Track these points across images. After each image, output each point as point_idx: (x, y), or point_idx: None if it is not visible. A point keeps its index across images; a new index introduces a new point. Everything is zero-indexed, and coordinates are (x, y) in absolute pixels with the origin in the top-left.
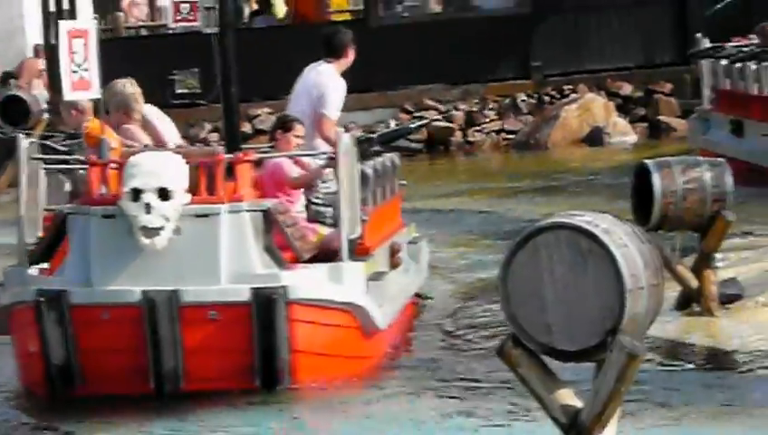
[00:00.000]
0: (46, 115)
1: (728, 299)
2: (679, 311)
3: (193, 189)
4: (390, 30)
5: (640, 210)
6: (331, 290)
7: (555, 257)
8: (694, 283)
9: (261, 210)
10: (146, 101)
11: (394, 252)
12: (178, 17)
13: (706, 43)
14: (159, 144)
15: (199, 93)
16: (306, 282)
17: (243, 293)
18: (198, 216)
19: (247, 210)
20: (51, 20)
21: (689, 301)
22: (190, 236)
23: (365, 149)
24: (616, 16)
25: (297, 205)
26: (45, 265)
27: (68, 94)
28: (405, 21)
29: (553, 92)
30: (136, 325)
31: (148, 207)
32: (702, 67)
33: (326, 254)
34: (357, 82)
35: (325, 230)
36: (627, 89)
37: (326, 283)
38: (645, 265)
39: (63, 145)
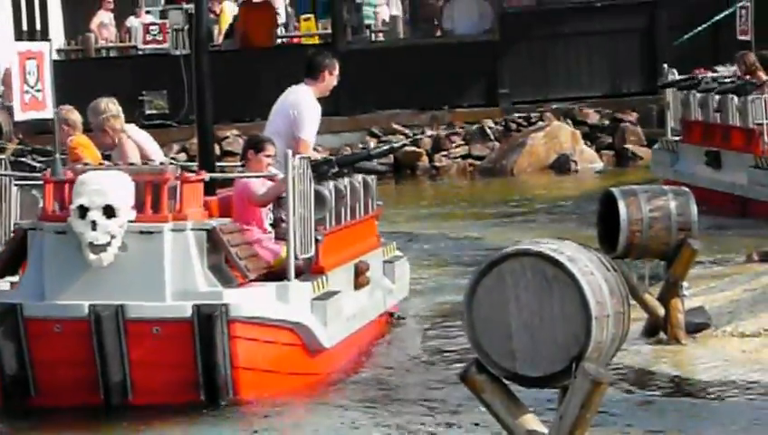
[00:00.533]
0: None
1: (695, 328)
2: (646, 339)
3: (141, 207)
4: (359, 54)
5: (607, 238)
6: (273, 308)
7: (521, 284)
8: (660, 311)
9: (205, 229)
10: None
11: (360, 272)
12: (148, 38)
13: (674, 74)
14: (146, 161)
15: (168, 114)
16: (249, 300)
17: (185, 309)
18: (143, 233)
19: (191, 229)
20: (23, 40)
21: (656, 329)
22: (136, 253)
23: (324, 171)
24: (584, 45)
25: (266, 222)
26: (16, 279)
27: (19, 114)
28: (373, 46)
29: (520, 120)
30: (85, 339)
31: (93, 225)
32: (669, 98)
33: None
34: (325, 105)
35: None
36: (594, 117)
37: (271, 301)
38: (611, 293)
39: (40, 162)
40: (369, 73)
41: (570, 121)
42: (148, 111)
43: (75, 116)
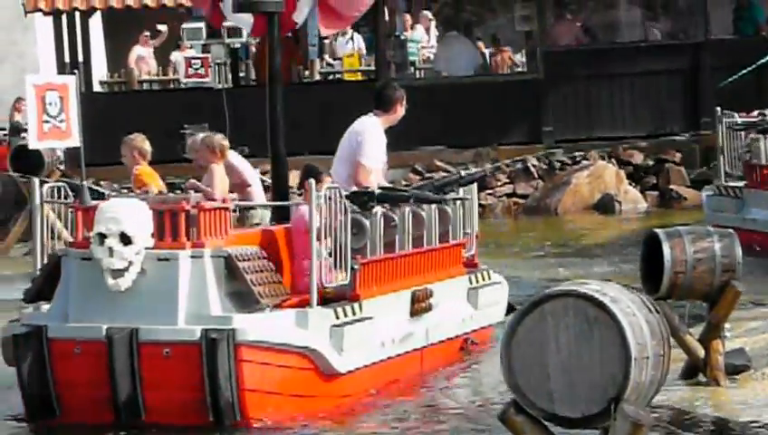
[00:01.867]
0: (61, 166)
1: (735, 370)
2: (685, 380)
3: (161, 234)
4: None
5: (650, 279)
6: (286, 333)
7: (562, 325)
8: (701, 352)
9: (222, 256)
10: (158, 155)
11: (418, 299)
12: (190, 72)
13: (733, 116)
14: (244, 186)
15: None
16: (259, 325)
17: (195, 333)
18: (161, 259)
19: (209, 256)
20: (66, 71)
21: (695, 371)
22: (153, 278)
23: (363, 202)
24: (628, 84)
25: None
26: None
27: (34, 142)
28: (417, 83)
29: (564, 158)
30: (102, 360)
31: (110, 251)
32: (722, 141)
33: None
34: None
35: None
36: (638, 157)
37: (286, 326)
38: (651, 335)
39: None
40: (412, 110)
41: (614, 161)
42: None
43: (147, 146)
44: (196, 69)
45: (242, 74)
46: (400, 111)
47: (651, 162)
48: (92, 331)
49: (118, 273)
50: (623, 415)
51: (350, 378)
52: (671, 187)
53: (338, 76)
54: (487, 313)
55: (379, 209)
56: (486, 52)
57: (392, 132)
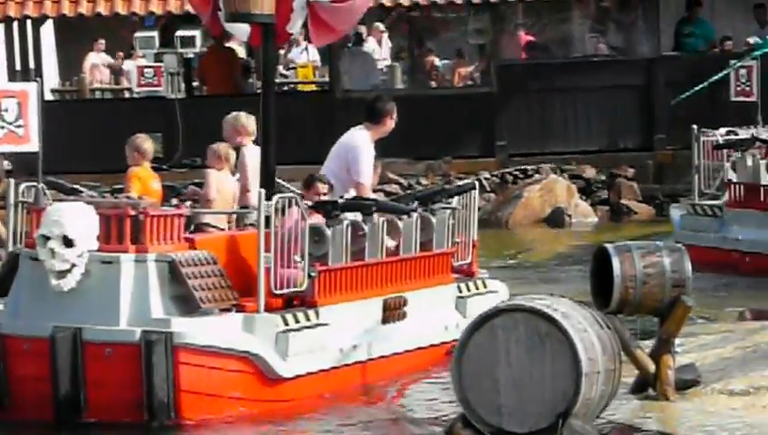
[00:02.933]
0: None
1: (685, 385)
2: (635, 395)
3: (107, 238)
4: (355, 102)
5: (600, 293)
6: (228, 338)
7: (512, 340)
8: (651, 367)
9: (166, 261)
10: (109, 165)
11: (390, 307)
12: (143, 81)
13: (714, 135)
14: (245, 190)
15: (161, 158)
16: (199, 329)
17: (135, 334)
18: (104, 262)
19: (153, 260)
20: (16, 79)
21: (645, 385)
22: (97, 280)
23: (328, 211)
24: (582, 99)
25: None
26: None
27: None
28: (370, 94)
29: (517, 172)
30: (47, 357)
31: (52, 253)
32: (697, 159)
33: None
34: (321, 152)
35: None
36: (590, 172)
37: (229, 331)
38: (603, 350)
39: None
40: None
41: (566, 175)
42: None
43: (146, 145)
44: (149, 78)
45: (195, 84)
46: (390, 123)
47: (603, 177)
48: (39, 329)
49: (61, 274)
50: (570, 430)
51: (296, 383)
52: (622, 201)
53: (291, 87)
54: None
55: (348, 218)
56: (440, 63)
57: None
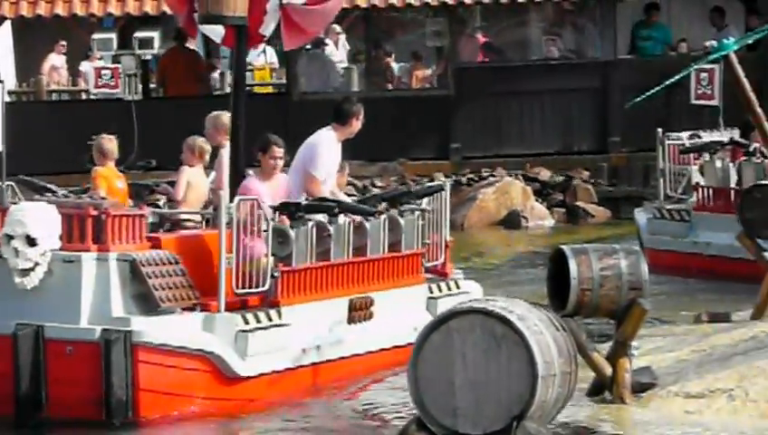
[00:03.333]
0: None
1: (641, 387)
2: (591, 398)
3: (70, 237)
4: (312, 104)
5: (556, 296)
6: (186, 337)
7: (468, 342)
8: (608, 370)
9: (127, 260)
10: (65, 166)
11: (357, 307)
12: (100, 83)
13: (679, 138)
14: (218, 187)
15: (117, 159)
16: (158, 328)
17: (95, 333)
18: (66, 261)
19: (115, 259)
20: None
21: (602, 388)
22: (59, 278)
23: (291, 212)
24: (537, 102)
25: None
26: None
27: None
28: (327, 96)
29: (471, 174)
30: (10, 355)
31: (16, 252)
32: (662, 162)
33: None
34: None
35: None
36: (545, 174)
37: (189, 330)
38: (559, 353)
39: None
40: (320, 123)
41: (521, 178)
42: None
43: (109, 146)
44: (106, 80)
45: (152, 86)
46: (356, 124)
47: (558, 179)
48: (1, 326)
49: (24, 272)
50: (524, 432)
51: (255, 382)
52: (578, 204)
53: (248, 89)
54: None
55: (313, 219)
56: (396, 66)
57: (299, 145)
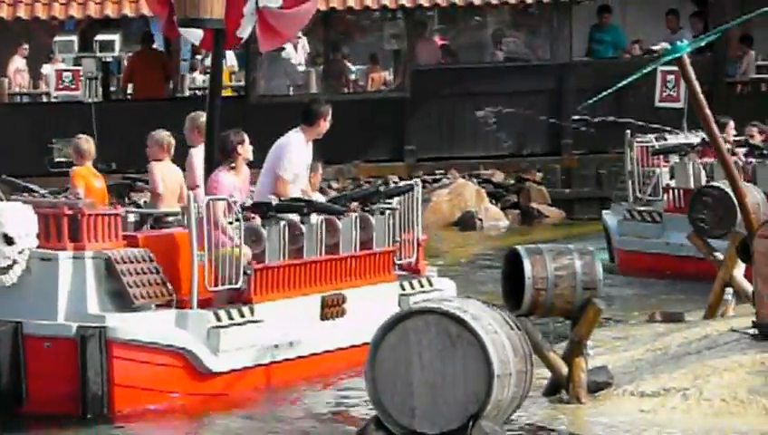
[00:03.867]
0: None
1: (597, 387)
2: (548, 397)
3: (47, 236)
4: (270, 107)
5: (512, 296)
6: (159, 333)
7: (424, 342)
8: (564, 369)
9: (102, 258)
10: (24, 168)
11: (329, 304)
12: (60, 86)
13: (651, 141)
14: (193, 186)
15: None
16: (132, 324)
17: (71, 329)
18: (43, 259)
19: (90, 257)
20: None
21: (558, 387)
22: (36, 276)
23: (263, 211)
24: (492, 104)
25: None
26: None
27: None
28: (285, 99)
29: (426, 176)
30: None
31: None
32: (630, 164)
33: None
34: None
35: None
36: (499, 176)
37: (162, 326)
38: (514, 352)
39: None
40: (279, 126)
41: (475, 180)
42: (57, 159)
43: (85, 146)
44: (67, 82)
45: (113, 88)
46: (324, 125)
47: (512, 181)
48: None
49: (2, 270)
50: (479, 431)
51: (227, 378)
52: (531, 205)
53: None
54: None
55: (286, 218)
56: (355, 69)
57: (259, 147)
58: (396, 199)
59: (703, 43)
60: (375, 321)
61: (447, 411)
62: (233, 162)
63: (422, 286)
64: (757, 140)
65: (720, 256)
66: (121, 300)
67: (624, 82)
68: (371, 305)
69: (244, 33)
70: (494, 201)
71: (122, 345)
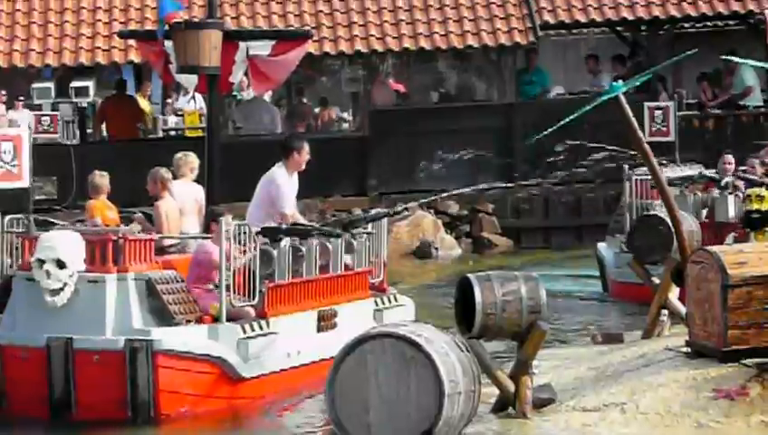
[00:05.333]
0: None
1: (541, 403)
2: (496, 414)
3: (92, 260)
4: (238, 146)
5: (464, 320)
6: (198, 344)
7: (381, 363)
8: (511, 387)
9: (144, 279)
10: (6, 205)
11: (323, 318)
12: (40, 129)
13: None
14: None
15: (56, 199)
16: (174, 337)
17: (119, 343)
18: (91, 281)
19: (132, 279)
20: None
21: (506, 405)
22: (85, 296)
23: (272, 234)
24: (447, 142)
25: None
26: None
27: None
28: (253, 139)
29: (387, 209)
30: (43, 363)
31: (48, 274)
32: (628, 196)
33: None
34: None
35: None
36: (454, 208)
37: (198, 339)
38: (463, 373)
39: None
40: (247, 164)
41: (432, 211)
42: (37, 197)
43: (98, 181)
44: (46, 126)
45: (89, 131)
46: (298, 157)
47: (465, 212)
48: (35, 340)
49: (55, 292)
50: None
51: (254, 383)
52: (483, 234)
53: (179, 132)
54: None
55: (287, 241)
56: (316, 110)
57: (225, 185)
58: (370, 225)
59: (637, 83)
60: (359, 333)
61: (401, 428)
62: None
63: (390, 303)
64: (758, 172)
65: (657, 280)
66: (160, 316)
67: (567, 120)
68: (355, 319)
69: (236, 78)
70: (449, 231)
71: (166, 356)
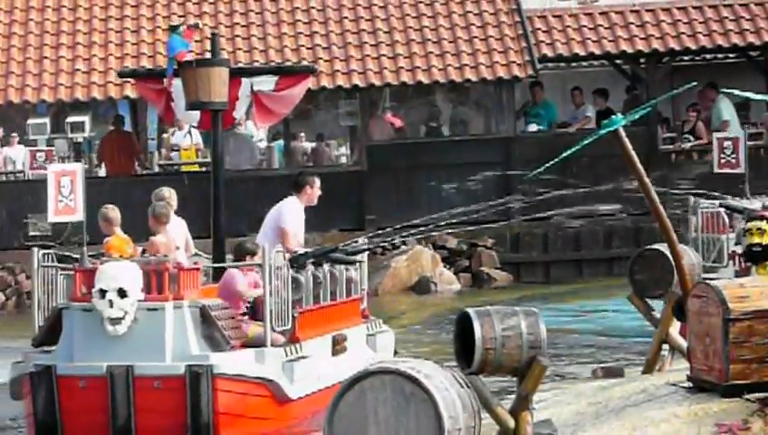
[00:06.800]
0: None
1: None
2: None
3: (149, 289)
4: (236, 181)
5: (463, 355)
6: (251, 368)
7: (380, 399)
8: (511, 423)
9: (198, 307)
10: (2, 242)
11: (337, 342)
12: (35, 165)
13: (714, 206)
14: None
15: (50, 236)
16: (230, 362)
17: (180, 368)
18: (149, 309)
19: (188, 306)
20: None
21: None
22: (144, 324)
23: (301, 262)
24: (445, 176)
25: (242, 309)
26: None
27: (51, 217)
28: (250, 174)
29: (385, 244)
30: (104, 391)
31: (110, 303)
32: (695, 229)
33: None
34: (205, 227)
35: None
36: (452, 242)
37: (250, 363)
38: (463, 408)
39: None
40: (245, 199)
41: (431, 246)
42: (32, 233)
43: (111, 214)
44: (41, 162)
45: (85, 166)
46: (311, 191)
47: (464, 247)
48: (95, 368)
49: (116, 321)
50: None
51: (299, 404)
52: (482, 269)
53: (176, 168)
54: (383, 355)
55: (309, 269)
56: (309, 146)
57: (226, 219)
58: (360, 255)
59: (637, 117)
60: (362, 356)
61: None
62: None
63: (376, 328)
64: None
65: (657, 314)
66: (212, 341)
67: (567, 153)
68: (357, 343)
69: (239, 113)
70: (447, 266)
71: (225, 380)
